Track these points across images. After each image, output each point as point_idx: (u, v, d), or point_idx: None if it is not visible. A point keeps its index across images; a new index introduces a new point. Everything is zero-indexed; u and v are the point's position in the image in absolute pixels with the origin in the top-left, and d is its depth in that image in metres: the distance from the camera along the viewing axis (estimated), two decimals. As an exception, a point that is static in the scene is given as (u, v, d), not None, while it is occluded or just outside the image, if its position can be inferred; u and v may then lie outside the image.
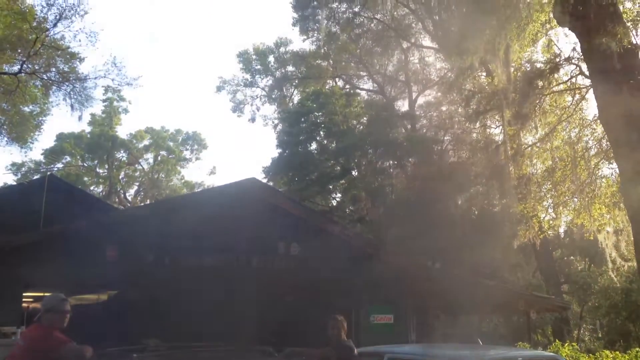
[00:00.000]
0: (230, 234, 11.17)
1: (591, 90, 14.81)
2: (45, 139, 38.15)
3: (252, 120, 34.10)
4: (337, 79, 31.42)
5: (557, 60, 16.15)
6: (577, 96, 16.39)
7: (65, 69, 20.32)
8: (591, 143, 16.26)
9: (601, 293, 20.73)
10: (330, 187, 25.79)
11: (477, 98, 18.71)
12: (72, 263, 9.74)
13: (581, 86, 16.19)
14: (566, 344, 10.18)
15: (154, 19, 76.41)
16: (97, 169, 37.35)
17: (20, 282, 9.66)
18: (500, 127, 18.60)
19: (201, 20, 77.40)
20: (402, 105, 28.33)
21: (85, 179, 36.36)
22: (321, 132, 25.64)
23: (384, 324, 13.03)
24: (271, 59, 33.43)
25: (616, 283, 19.20)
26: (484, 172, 19.84)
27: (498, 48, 14.05)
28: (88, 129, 35.98)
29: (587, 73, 14.80)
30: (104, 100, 34.72)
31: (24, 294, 10.18)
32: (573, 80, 16.37)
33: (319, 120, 25.49)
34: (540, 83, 16.08)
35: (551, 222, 17.65)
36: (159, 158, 38.76)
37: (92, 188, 35.88)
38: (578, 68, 15.69)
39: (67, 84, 20.31)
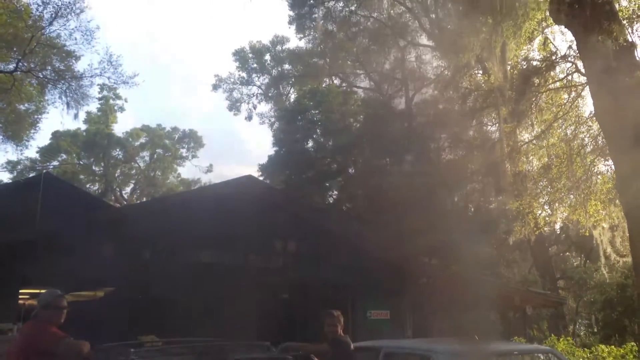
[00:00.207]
0: (227, 232, 11.19)
1: (587, 88, 14.84)
2: (41, 137, 38.19)
3: (249, 118, 34.12)
4: (333, 77, 31.45)
5: (554, 58, 16.19)
6: (573, 94, 16.43)
7: (61, 67, 20.29)
8: (587, 140, 16.31)
9: (597, 288, 20.82)
10: (327, 184, 25.81)
11: (474, 96, 18.74)
12: (69, 260, 9.73)
13: (577, 84, 16.23)
14: (562, 339, 10.24)
15: (150, 18, 76.28)
16: (93, 167, 37.28)
17: (17, 279, 9.67)
18: (497, 124, 18.64)
19: (198, 19, 77.31)
20: (399, 103, 28.37)
21: (82, 176, 36.29)
22: (318, 130, 25.65)
23: (380, 320, 13.10)
24: (267, 57, 33.43)
25: (607, 279, 19.30)
26: (480, 169, 19.88)
27: (494, 46, 14.09)
28: (84, 127, 35.93)
29: (583, 71, 14.83)
30: (99, 99, 34.68)
31: (20, 291, 10.18)
32: (569, 77, 16.40)
33: (315, 119, 25.49)
34: (537, 80, 16.12)
35: (547, 218, 17.72)
36: (155, 156, 38.72)
37: (88, 186, 35.81)
38: (574, 66, 15.73)
39: (62, 82, 20.28)
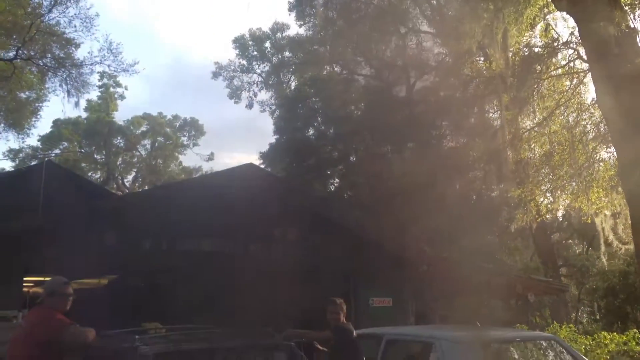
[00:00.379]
0: (229, 220, 11.22)
1: (589, 75, 14.74)
2: (42, 125, 38.14)
3: (250, 106, 34.02)
4: (334, 65, 31.29)
5: (555, 44, 16.08)
6: (576, 80, 16.34)
7: (61, 55, 20.23)
8: (589, 127, 16.25)
9: (599, 276, 20.84)
10: (328, 172, 25.80)
11: (475, 83, 18.66)
12: (72, 248, 9.78)
13: (579, 70, 16.13)
14: (564, 326, 10.27)
15: (150, 6, 75.84)
16: (95, 155, 37.29)
17: (21, 267, 9.71)
18: (498, 111, 18.58)
19: (197, 5, 76.86)
20: (400, 91, 28.24)
21: (83, 164, 36.32)
22: (319, 118, 25.60)
23: (383, 307, 13.15)
24: (268, 44, 33.26)
25: (605, 267, 19.33)
26: (482, 156, 19.86)
27: (496, 32, 14.00)
28: (85, 115, 35.90)
29: (585, 57, 14.75)
30: (99, 87, 34.60)
31: (24, 279, 10.23)
32: (571, 64, 16.30)
33: (316, 106, 25.43)
34: (539, 67, 16.03)
35: (549, 206, 17.70)
36: (157, 144, 38.70)
37: (90, 174, 35.84)
38: (576, 52, 15.64)
39: (63, 70, 20.22)
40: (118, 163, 38.03)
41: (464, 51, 16.68)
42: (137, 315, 7.81)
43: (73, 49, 20.28)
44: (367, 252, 12.93)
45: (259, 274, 12.04)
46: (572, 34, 15.55)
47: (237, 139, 76.05)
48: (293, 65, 32.41)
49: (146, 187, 36.30)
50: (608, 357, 9.47)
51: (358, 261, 12.84)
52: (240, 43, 33.23)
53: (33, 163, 31.04)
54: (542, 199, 17.47)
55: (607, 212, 15.44)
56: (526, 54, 16.87)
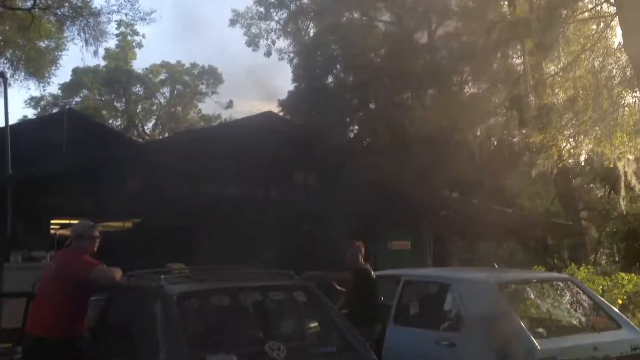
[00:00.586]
0: (249, 166, 11.33)
1: (616, 18, 14.34)
2: (62, 74, 38.11)
3: (268, 54, 33.49)
4: (353, 11, 30.56)
5: (582, -13, 15.58)
6: (602, 24, 15.88)
7: (78, 4, 20.12)
8: (615, 72, 15.88)
9: (620, 219, 20.78)
10: (348, 120, 25.63)
11: (499, 28, 18.17)
12: (96, 193, 10.01)
13: (606, 14, 15.66)
14: (582, 267, 10.33)
15: (165, -51, 74.18)
16: (115, 103, 37.44)
17: (48, 211, 9.97)
18: (522, 57, 18.18)
19: (214, -51, 75.00)
20: (421, 37, 27.58)
21: (104, 112, 36.52)
22: (338, 66, 25.24)
23: (401, 251, 13.32)
24: (285, -10, 32.49)
25: (624, 211, 19.22)
26: (504, 102, 19.57)
27: (520, -25, 13.57)
28: (103, 63, 35.90)
29: (612, 0, 14.31)
30: (117, 35, 34.39)
31: (51, 222, 10.51)
32: (598, 8, 15.84)
33: (335, 54, 25.03)
34: (564, 11, 15.58)
35: (571, 150, 17.53)
36: (175, 92, 38.64)
37: (110, 122, 36.08)
38: (604, -5, 15.16)
39: (80, 18, 20.12)
40: (138, 111, 38.16)
41: (488, -6, 16.22)
42: (160, 257, 8.02)
43: (90, -3, 20.16)
44: (387, 197, 13.01)
45: (280, 218, 12.23)
46: (599, -25, 15.03)
47: (255, 87, 75.55)
48: (311, 12, 31.69)
49: (166, 135, 36.51)
50: (625, 297, 9.56)
51: (378, 206, 12.94)
52: (257, -12, 32.53)
53: (54, 111, 31.33)
54: (564, 144, 17.30)
55: (630, 157, 15.28)
56: (552, -3, 16.36)
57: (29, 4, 19.16)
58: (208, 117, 39.00)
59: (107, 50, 34.95)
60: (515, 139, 20.78)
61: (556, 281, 6.29)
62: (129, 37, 35.69)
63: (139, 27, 34.87)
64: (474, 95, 22.03)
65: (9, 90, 17.91)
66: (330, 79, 25.32)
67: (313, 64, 24.55)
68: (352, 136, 25.84)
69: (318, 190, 12.61)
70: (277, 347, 3.92)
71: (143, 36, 36.57)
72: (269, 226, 11.91)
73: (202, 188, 11.50)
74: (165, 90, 38.72)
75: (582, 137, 16.70)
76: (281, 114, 24.17)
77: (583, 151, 17.31)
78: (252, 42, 33.53)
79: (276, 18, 33.05)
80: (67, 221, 12.11)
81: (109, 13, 20.59)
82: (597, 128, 15.85)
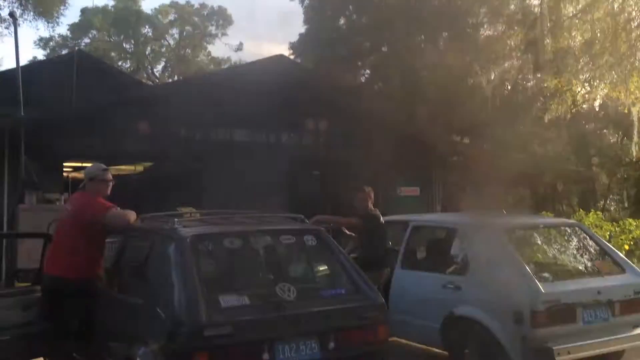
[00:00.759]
0: (260, 111, 11.29)
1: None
2: (71, 14, 37.70)
3: (278, -6, 32.79)
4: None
5: None
6: (624, -36, 15.36)
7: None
8: (635, 14, 15.46)
9: (631, 165, 20.65)
10: (359, 64, 25.23)
11: (516, -33, 17.64)
12: (108, 136, 10.09)
13: (628, -47, 15.13)
14: (591, 213, 10.38)
15: None
16: (124, 45, 37.04)
17: (60, 154, 10.06)
18: (540, -2, 17.70)
19: None
20: (437, -23, 26.80)
21: (113, 54, 36.21)
22: (350, 7, 24.64)
23: (410, 197, 13.40)
24: None
25: (635, 157, 19.06)
26: (520, 45, 19.19)
27: None
28: (112, 3, 35.32)
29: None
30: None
31: (64, 164, 10.63)
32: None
33: (348, -6, 24.40)
34: (585, -50, 15.07)
35: (586, 95, 17.30)
36: (185, 33, 38.10)
37: (119, 63, 35.82)
38: None
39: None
40: (147, 53, 37.74)
41: None
42: (171, 201, 8.15)
43: None
44: (397, 143, 12.98)
45: (291, 163, 12.29)
46: None
47: (265, 29, 74.24)
48: (324, -52, 30.75)
49: (176, 77, 36.26)
50: (632, 242, 9.65)
51: (388, 151, 12.92)
52: None
53: (63, 52, 31.10)
54: (579, 89, 17.06)
55: (644, 102, 15.10)
56: None
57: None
58: (218, 60, 38.53)
59: (114, -11, 34.42)
60: (529, 84, 20.48)
61: (563, 227, 6.34)
62: (136, -24, 35.01)
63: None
64: (489, 37, 21.53)
65: (18, 30, 17.74)
66: (342, 21, 24.79)
67: (324, 5, 23.99)
68: (363, 80, 25.52)
69: (329, 135, 12.60)
70: (288, 289, 4.04)
71: (151, -25, 35.73)
72: (279, 171, 11.97)
73: (213, 133, 11.53)
74: (174, 31, 38.18)
75: (597, 81, 16.45)
76: (292, 57, 23.83)
77: (598, 96, 17.08)
78: (262, -18, 32.74)
79: (287, -44, 32.15)
80: (79, 164, 12.26)
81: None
82: (614, 72, 15.58)
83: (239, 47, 39.08)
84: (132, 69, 35.76)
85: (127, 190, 9.53)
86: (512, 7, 20.37)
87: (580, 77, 17.06)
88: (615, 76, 15.55)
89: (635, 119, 15.36)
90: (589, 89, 17.14)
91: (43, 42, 34.86)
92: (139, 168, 14.18)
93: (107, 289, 4.83)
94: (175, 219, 4.40)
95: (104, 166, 5.22)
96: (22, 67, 11.23)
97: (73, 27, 34.93)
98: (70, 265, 4.80)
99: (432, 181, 14.06)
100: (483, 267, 5.35)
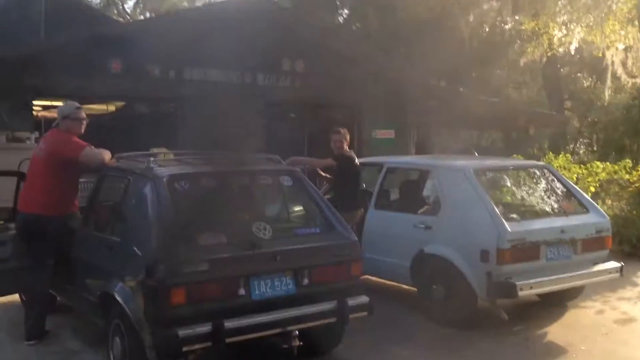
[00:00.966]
0: (235, 51, 11.10)
1: None
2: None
3: None
4: None
5: None
6: None
7: None
8: (614, -46, 15.36)
9: (602, 109, 20.96)
10: (338, 3, 24.75)
11: None
12: (79, 74, 9.86)
13: None
14: (560, 156, 10.58)
15: None
16: (93, -21, 35.57)
17: (30, 91, 9.85)
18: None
19: None
20: None
21: (82, -12, 34.80)
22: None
23: (385, 139, 13.49)
24: None
25: (606, 102, 19.36)
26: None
27: None
28: None
29: None
30: None
31: (34, 102, 10.41)
32: None
33: None
34: None
35: (562, 38, 17.32)
36: (157, -33, 36.67)
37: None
38: None
39: None
40: (118, -12, 36.39)
41: None
42: (144, 142, 8.11)
43: None
44: (374, 85, 12.95)
45: (267, 105, 12.22)
46: None
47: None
48: None
49: (148, 15, 35.13)
50: (598, 184, 9.93)
51: (364, 93, 12.90)
52: None
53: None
54: (555, 32, 17.06)
55: (620, 46, 15.20)
56: None
57: None
58: (191, -3, 37.31)
59: None
60: (507, 26, 20.40)
61: (532, 168, 6.52)
62: None
63: None
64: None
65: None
66: (318, -43, 24.09)
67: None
68: (341, 21, 25.08)
69: (305, 77, 12.50)
70: (264, 228, 4.14)
71: None
72: (255, 113, 11.89)
73: (187, 72, 11.34)
74: (146, -35, 36.71)
75: (574, 24, 16.46)
76: (267, -6, 23.20)
77: (574, 40, 17.12)
78: None
79: None
80: (49, 103, 12.02)
81: None
82: (590, 15, 15.58)
83: (213, -16, 37.86)
84: (102, 4, 34.48)
85: (99, 130, 9.40)
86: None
87: (558, 19, 17.03)
88: (591, 19, 15.56)
89: (609, 62, 15.50)
90: (565, 32, 17.15)
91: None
92: (111, 108, 13.95)
93: (82, 227, 4.87)
94: (151, 159, 4.41)
95: (77, 104, 5.16)
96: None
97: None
98: (44, 203, 4.82)
99: (407, 124, 14.13)
100: (453, 207, 5.52)
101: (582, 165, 10.74)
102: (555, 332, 5.35)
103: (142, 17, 34.02)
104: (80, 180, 5.30)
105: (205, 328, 3.56)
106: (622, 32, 14.95)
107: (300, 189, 4.75)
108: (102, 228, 4.67)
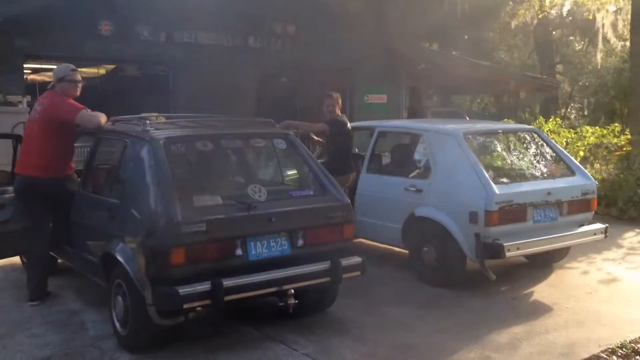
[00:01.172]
0: (226, 13, 11.01)
1: None
2: None
3: None
4: None
5: None
6: None
7: None
8: None
9: (593, 73, 20.92)
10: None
11: None
12: (69, 36, 9.77)
13: None
14: (550, 120, 10.65)
15: None
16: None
17: (20, 53, 9.77)
18: None
19: None
20: None
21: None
22: None
23: (377, 104, 13.54)
24: None
25: (599, 65, 19.33)
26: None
27: None
28: None
29: None
30: None
31: (24, 65, 10.32)
32: None
33: None
34: None
35: (554, 0, 17.19)
36: None
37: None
38: None
39: None
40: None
41: None
42: (134, 106, 8.10)
43: None
44: (366, 49, 12.92)
45: (258, 68, 12.17)
46: None
47: None
48: None
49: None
50: (587, 149, 10.04)
51: (356, 58, 12.89)
52: None
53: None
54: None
55: (610, 8, 15.14)
56: None
57: None
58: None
59: None
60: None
61: (521, 132, 6.61)
62: None
63: None
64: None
65: None
66: None
67: None
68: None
69: (296, 40, 12.44)
70: (259, 190, 4.21)
71: None
72: (247, 76, 11.88)
73: (177, 35, 11.25)
74: None
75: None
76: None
77: (565, 1, 17.04)
78: None
79: None
80: (39, 65, 11.92)
81: None
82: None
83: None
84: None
85: (89, 93, 9.37)
86: None
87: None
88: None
89: (599, 25, 15.47)
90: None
91: None
92: (101, 71, 13.85)
93: (81, 190, 4.94)
94: (147, 122, 4.45)
95: (72, 66, 5.14)
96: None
97: None
98: (40, 165, 4.86)
99: (400, 89, 14.15)
100: (443, 170, 5.61)
101: (571, 130, 10.82)
102: (542, 291, 5.51)
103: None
104: (75, 144, 5.32)
105: (204, 286, 3.68)
106: (612, -6, 14.90)
107: (293, 152, 4.80)
108: (101, 190, 4.74)
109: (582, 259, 6.54)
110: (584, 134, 10.21)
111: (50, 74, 5.76)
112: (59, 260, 5.53)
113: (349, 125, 6.62)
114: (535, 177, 5.79)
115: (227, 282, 3.74)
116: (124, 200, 4.20)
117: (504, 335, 4.42)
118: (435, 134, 5.95)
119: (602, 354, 4.09)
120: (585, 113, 22.76)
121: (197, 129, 4.73)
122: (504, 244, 5.11)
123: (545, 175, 5.86)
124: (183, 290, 3.62)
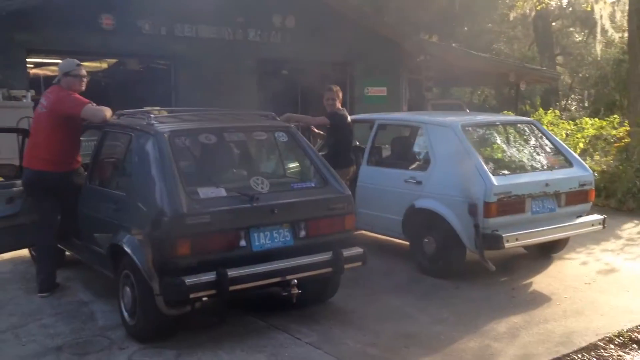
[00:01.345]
0: (226, 6, 11.05)
1: None
2: None
3: None
4: None
5: None
6: None
7: None
8: None
9: (593, 64, 20.88)
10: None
11: None
12: (70, 30, 9.82)
13: None
14: (549, 112, 10.66)
15: None
16: None
17: (23, 47, 9.81)
18: None
19: None
20: None
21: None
22: None
23: (377, 96, 13.57)
24: None
25: (598, 56, 19.28)
26: None
27: None
28: None
29: None
30: None
31: (27, 60, 10.37)
32: None
33: None
34: None
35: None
36: None
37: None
38: None
39: None
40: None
41: None
42: (136, 100, 8.16)
43: None
44: (366, 42, 12.96)
45: (258, 62, 12.21)
46: None
47: None
48: None
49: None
50: (586, 141, 10.09)
51: (356, 50, 12.93)
52: None
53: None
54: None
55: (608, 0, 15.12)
56: None
57: None
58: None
59: None
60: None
61: (520, 124, 6.68)
62: None
63: None
64: None
65: None
66: None
67: None
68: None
69: (296, 33, 12.47)
70: (261, 182, 4.30)
71: None
72: (247, 70, 11.93)
73: (178, 29, 11.28)
74: None
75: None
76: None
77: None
78: None
79: None
80: (42, 60, 11.95)
81: None
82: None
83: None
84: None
85: (92, 87, 9.42)
86: None
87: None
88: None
89: (597, 17, 15.44)
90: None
91: None
92: (104, 65, 13.89)
93: (88, 183, 5.02)
94: (152, 115, 4.52)
95: (77, 61, 5.20)
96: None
97: None
98: (47, 159, 4.93)
99: (400, 81, 14.18)
100: (442, 162, 5.68)
101: (570, 121, 10.86)
102: (540, 282, 5.58)
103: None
104: (82, 138, 5.39)
105: (210, 276, 3.77)
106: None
107: (295, 145, 4.87)
108: (107, 183, 4.83)
109: (580, 250, 6.60)
110: (583, 126, 10.25)
111: (53, 68, 5.83)
112: (67, 253, 5.62)
113: (349, 118, 6.68)
114: (533, 169, 5.86)
115: (232, 272, 3.83)
116: (130, 193, 4.29)
117: (503, 324, 4.49)
118: (434, 126, 6.01)
119: (599, 343, 4.16)
120: (586, 105, 22.75)
121: (200, 122, 4.80)
122: (503, 235, 5.18)
123: (544, 166, 5.92)
124: (189, 280, 3.70)
